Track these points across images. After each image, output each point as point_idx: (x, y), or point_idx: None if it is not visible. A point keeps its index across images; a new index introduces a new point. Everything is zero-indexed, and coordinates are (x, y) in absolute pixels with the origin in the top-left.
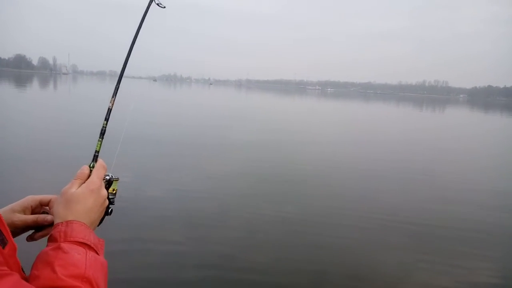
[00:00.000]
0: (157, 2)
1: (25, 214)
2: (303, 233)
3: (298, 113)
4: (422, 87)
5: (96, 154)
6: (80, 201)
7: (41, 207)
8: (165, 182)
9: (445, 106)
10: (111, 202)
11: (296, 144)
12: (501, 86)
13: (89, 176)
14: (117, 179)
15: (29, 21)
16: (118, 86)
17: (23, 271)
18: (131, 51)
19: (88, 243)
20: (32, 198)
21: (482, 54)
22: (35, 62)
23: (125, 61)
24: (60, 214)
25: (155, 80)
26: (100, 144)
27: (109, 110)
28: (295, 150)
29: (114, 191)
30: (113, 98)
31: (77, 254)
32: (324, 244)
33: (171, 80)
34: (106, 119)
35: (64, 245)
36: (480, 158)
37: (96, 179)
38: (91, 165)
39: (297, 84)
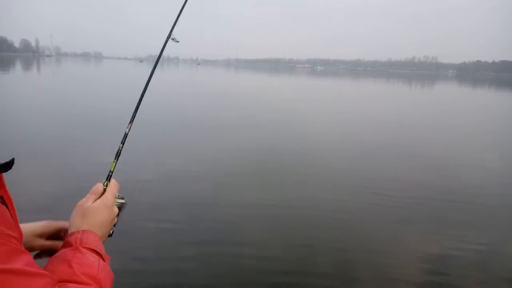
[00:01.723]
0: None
1: (41, 238)
2: (295, 209)
3: (286, 93)
4: (411, 63)
5: (110, 174)
6: (95, 215)
7: (57, 234)
8: (156, 164)
9: (434, 82)
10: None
11: (287, 123)
12: (490, 61)
13: (103, 193)
14: (124, 204)
15: (10, 2)
16: (136, 114)
17: None
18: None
19: (100, 252)
20: (51, 225)
21: (471, 29)
22: (17, 44)
23: (141, 95)
24: (76, 224)
25: (141, 61)
26: (115, 166)
27: (125, 135)
28: (286, 130)
29: (118, 214)
30: (130, 124)
31: (92, 257)
32: (316, 219)
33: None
34: (122, 143)
35: (81, 248)
36: (467, 135)
37: (111, 197)
38: (105, 183)
39: (287, 63)
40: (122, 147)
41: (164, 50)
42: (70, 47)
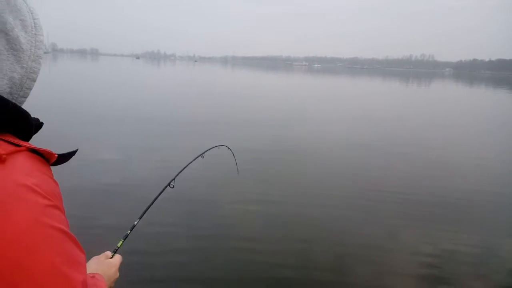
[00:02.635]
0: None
1: None
2: (294, 205)
3: (284, 90)
4: (408, 62)
5: (117, 248)
6: (107, 267)
7: None
8: (152, 162)
9: (431, 81)
10: None
11: (286, 120)
12: (486, 59)
13: (111, 257)
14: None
15: None
16: (129, 233)
17: None
18: None
19: None
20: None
21: (469, 28)
22: None
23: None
24: (92, 268)
25: (138, 58)
26: (122, 243)
27: (133, 227)
28: (285, 127)
29: None
30: (139, 219)
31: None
32: (315, 215)
33: (155, 57)
34: (131, 229)
35: (97, 276)
36: (467, 133)
37: (118, 262)
38: (113, 254)
39: (284, 60)
40: (130, 232)
41: (161, 47)
42: (66, 43)
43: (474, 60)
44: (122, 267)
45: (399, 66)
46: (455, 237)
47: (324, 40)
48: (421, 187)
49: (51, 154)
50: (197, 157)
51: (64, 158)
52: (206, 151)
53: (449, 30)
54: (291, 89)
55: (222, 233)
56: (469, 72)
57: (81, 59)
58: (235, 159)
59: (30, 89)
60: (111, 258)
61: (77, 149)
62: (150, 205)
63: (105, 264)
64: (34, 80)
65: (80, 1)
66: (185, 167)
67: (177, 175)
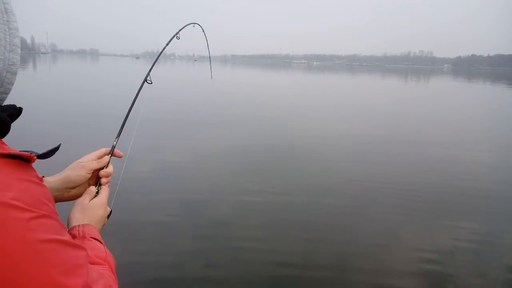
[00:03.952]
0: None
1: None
2: (295, 203)
3: (283, 88)
4: (407, 58)
5: (100, 178)
6: (93, 211)
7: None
8: (154, 161)
9: (430, 77)
10: None
11: (286, 118)
12: (485, 55)
13: (96, 193)
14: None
15: None
16: (122, 129)
17: None
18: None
19: (102, 241)
20: (68, 179)
21: (466, 21)
22: None
23: (129, 110)
24: (77, 218)
25: (137, 58)
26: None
27: (113, 147)
28: (285, 125)
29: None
30: (117, 139)
31: (98, 244)
32: (317, 212)
33: (155, 57)
34: (111, 153)
35: (88, 236)
36: (467, 128)
37: (105, 197)
38: (97, 187)
39: (283, 59)
40: (111, 156)
41: (161, 47)
42: (66, 43)
43: (473, 55)
44: (123, 268)
45: (398, 62)
46: (456, 232)
47: (323, 38)
48: (422, 182)
49: (30, 156)
50: (172, 38)
51: (45, 156)
52: (180, 30)
53: (447, 23)
54: (290, 88)
55: (223, 231)
56: (468, 68)
57: (82, 60)
58: (206, 39)
59: (12, 83)
60: (96, 194)
61: (60, 144)
62: (126, 118)
63: (90, 209)
64: (15, 73)
65: (80, 1)
66: (161, 52)
67: (153, 66)
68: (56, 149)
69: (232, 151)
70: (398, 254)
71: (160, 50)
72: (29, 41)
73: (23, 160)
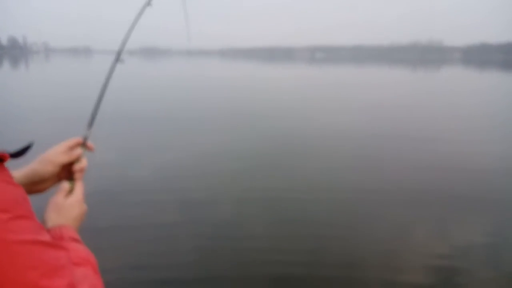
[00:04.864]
0: None
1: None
2: (299, 201)
3: (283, 82)
4: (415, 48)
5: (73, 173)
6: (69, 210)
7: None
8: (151, 160)
9: (440, 68)
10: None
11: (287, 113)
12: (495, 43)
13: (70, 189)
14: None
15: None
16: (94, 117)
17: None
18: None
19: (81, 241)
20: (35, 173)
21: (475, 7)
22: (4, 41)
23: (99, 98)
24: (52, 219)
25: (132, 54)
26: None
27: (85, 139)
28: (286, 120)
29: None
30: (89, 128)
31: (78, 244)
32: (321, 209)
33: (150, 52)
34: (83, 146)
35: (66, 238)
36: (478, 122)
37: (80, 194)
38: (70, 183)
39: (285, 50)
40: (83, 149)
41: (156, 43)
42: (59, 41)
43: (483, 44)
44: (123, 269)
45: (406, 52)
46: (467, 227)
47: (326, 29)
48: (433, 178)
49: (2, 155)
50: (144, 6)
51: (17, 154)
52: None
53: (456, 11)
54: (294, 82)
55: (225, 231)
56: (479, 56)
57: (75, 57)
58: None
59: None
60: (70, 191)
61: (32, 141)
62: (99, 103)
63: (66, 208)
64: None
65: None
66: (133, 25)
67: (125, 43)
68: (29, 147)
69: (231, 148)
70: (408, 251)
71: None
72: (21, 41)
73: None
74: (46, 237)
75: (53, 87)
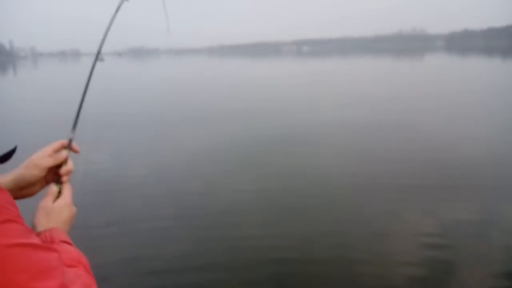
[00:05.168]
0: None
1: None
2: (291, 194)
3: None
4: (399, 37)
5: (60, 177)
6: (58, 213)
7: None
8: (145, 162)
9: (424, 55)
10: None
11: (278, 109)
12: (478, 29)
13: (58, 192)
14: None
15: None
16: (77, 120)
17: None
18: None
19: (72, 243)
20: (22, 178)
21: None
22: None
23: (81, 99)
24: (42, 223)
25: (120, 55)
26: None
27: (71, 140)
28: (276, 115)
29: None
30: (74, 130)
31: (69, 246)
32: (312, 201)
33: (138, 53)
34: (68, 147)
35: (56, 241)
36: (462, 105)
37: (69, 197)
38: (58, 186)
39: (273, 46)
40: (68, 151)
41: (144, 42)
42: (46, 45)
43: (466, 30)
44: (117, 271)
45: (390, 42)
46: (457, 211)
47: (312, 23)
48: (420, 164)
49: None
50: (121, 2)
51: (4, 158)
52: None
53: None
54: (281, 77)
55: (221, 222)
56: (462, 43)
57: (63, 61)
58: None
59: None
60: (58, 194)
61: (16, 146)
62: (81, 105)
63: (55, 211)
64: None
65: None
66: (111, 22)
67: (103, 41)
68: (12, 151)
69: (222, 145)
70: (399, 237)
71: (107, 29)
72: (7, 46)
73: None
74: (35, 240)
75: (42, 92)
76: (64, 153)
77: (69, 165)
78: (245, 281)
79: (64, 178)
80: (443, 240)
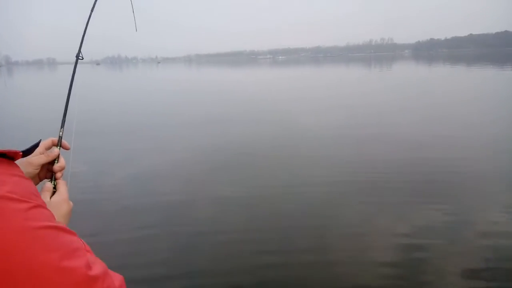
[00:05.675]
0: None
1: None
2: (272, 196)
3: (251, 85)
4: (369, 46)
5: (55, 173)
6: (57, 208)
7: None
8: (128, 170)
9: (392, 63)
10: None
11: (259, 114)
12: (442, 38)
13: (53, 188)
14: None
15: None
16: (65, 119)
17: None
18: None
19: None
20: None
21: (423, 6)
22: None
23: (67, 99)
24: None
25: (98, 64)
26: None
27: (60, 138)
28: (258, 121)
29: None
30: (62, 128)
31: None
32: (293, 202)
33: (116, 62)
34: (58, 145)
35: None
36: (434, 111)
37: (65, 192)
38: (53, 182)
39: (249, 55)
40: (60, 149)
41: (121, 51)
42: (21, 55)
43: (431, 39)
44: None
45: (361, 51)
46: (432, 213)
47: (286, 32)
48: (398, 167)
49: (15, 153)
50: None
51: (28, 152)
52: None
53: (406, 10)
54: (258, 84)
55: (204, 227)
56: (427, 52)
57: (40, 70)
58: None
59: None
60: (54, 189)
61: (40, 140)
62: (67, 104)
63: (53, 206)
64: None
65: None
66: (87, 23)
67: (82, 40)
68: (36, 145)
69: (202, 150)
70: (376, 237)
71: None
72: None
73: (7, 157)
74: (59, 223)
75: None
76: (56, 150)
77: (61, 162)
78: None
79: (58, 175)
80: None
